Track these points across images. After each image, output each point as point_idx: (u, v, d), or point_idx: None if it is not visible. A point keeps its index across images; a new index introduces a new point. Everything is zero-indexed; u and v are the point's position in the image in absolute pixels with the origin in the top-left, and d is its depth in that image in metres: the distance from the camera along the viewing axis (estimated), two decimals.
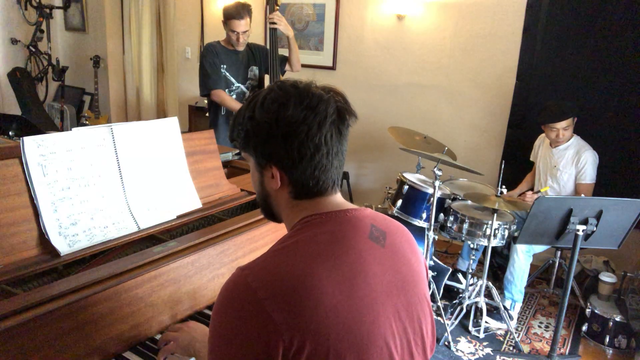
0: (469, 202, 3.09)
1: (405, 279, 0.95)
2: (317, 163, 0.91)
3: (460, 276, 3.29)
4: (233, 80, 3.23)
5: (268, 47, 3.28)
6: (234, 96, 3.26)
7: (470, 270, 3.03)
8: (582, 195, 2.98)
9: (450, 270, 3.22)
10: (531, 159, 3.40)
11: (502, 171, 2.87)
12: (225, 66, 3.20)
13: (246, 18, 3.08)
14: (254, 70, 3.33)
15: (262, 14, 4.65)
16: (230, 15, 3.06)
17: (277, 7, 3.23)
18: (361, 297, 0.86)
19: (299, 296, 0.80)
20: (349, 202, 0.99)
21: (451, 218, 3.00)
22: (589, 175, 3.02)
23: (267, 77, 3.36)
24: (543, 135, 3.23)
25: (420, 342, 0.95)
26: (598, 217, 2.36)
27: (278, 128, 0.89)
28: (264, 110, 0.91)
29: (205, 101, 3.51)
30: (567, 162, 3.08)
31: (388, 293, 0.90)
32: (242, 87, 3.29)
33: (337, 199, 0.98)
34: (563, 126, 2.98)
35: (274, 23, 3.13)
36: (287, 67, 3.38)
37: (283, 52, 3.37)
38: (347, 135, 0.95)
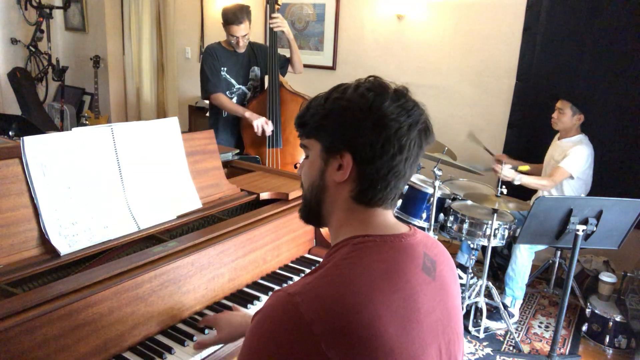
0: (469, 202, 3.09)
1: (450, 315, 0.89)
2: (395, 165, 0.85)
3: (459, 271, 3.29)
4: (234, 82, 3.20)
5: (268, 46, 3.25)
6: (235, 98, 3.24)
7: (470, 264, 3.02)
8: (552, 175, 2.98)
9: None
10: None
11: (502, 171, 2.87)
12: (225, 68, 3.17)
13: (245, 22, 3.03)
14: (255, 70, 3.30)
15: (262, 12, 4.65)
16: (229, 21, 3.02)
17: (278, 7, 3.21)
18: (413, 339, 0.79)
19: (358, 335, 0.73)
20: (399, 222, 0.92)
21: (451, 218, 3.00)
22: (569, 164, 2.97)
23: (266, 78, 3.33)
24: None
25: None
26: (598, 217, 2.37)
27: (370, 115, 0.84)
28: (358, 94, 0.87)
29: (207, 102, 3.48)
30: (564, 154, 3.08)
31: (434, 333, 0.84)
32: (244, 88, 3.27)
33: (391, 217, 0.91)
34: (558, 106, 3.08)
35: (278, 26, 3.07)
36: (289, 68, 3.35)
37: (284, 52, 3.34)
38: (422, 153, 0.91)
